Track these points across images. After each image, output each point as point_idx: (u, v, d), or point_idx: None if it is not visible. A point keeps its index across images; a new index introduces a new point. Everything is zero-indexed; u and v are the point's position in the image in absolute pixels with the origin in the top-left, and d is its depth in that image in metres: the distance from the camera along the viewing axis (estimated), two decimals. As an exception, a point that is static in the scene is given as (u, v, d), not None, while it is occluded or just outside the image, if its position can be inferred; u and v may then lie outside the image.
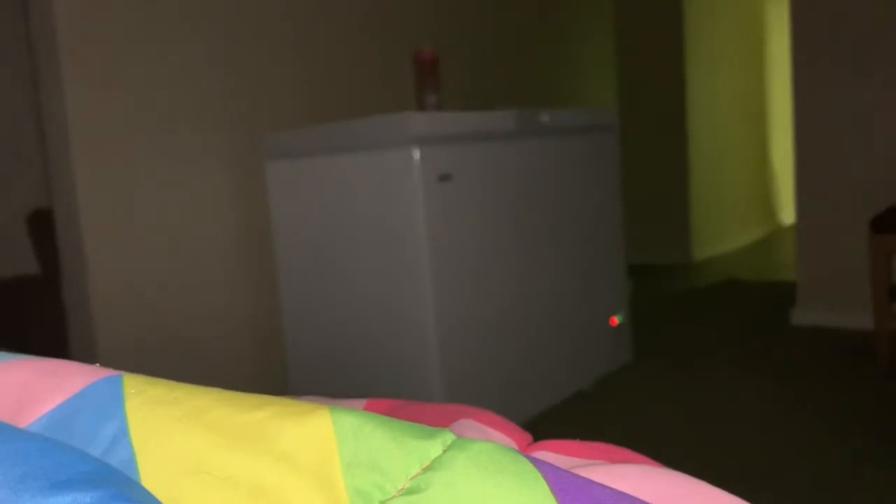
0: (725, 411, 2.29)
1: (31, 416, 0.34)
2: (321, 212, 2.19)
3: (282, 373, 2.45)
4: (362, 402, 0.58)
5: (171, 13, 2.15)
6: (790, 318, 3.28)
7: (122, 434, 0.33)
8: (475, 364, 2.12)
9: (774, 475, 1.85)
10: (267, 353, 2.42)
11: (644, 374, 2.71)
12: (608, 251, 2.72)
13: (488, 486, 0.32)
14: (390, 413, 0.54)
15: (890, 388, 2.37)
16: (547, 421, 2.33)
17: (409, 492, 0.32)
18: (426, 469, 0.33)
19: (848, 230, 3.11)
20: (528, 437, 0.51)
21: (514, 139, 2.27)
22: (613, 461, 0.46)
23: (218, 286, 2.28)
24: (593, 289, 2.63)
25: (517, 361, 2.27)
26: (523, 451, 0.48)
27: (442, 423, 0.51)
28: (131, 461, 0.33)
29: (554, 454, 0.46)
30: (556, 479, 0.33)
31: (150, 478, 0.32)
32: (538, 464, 0.33)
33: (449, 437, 0.35)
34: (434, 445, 0.34)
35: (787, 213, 6.63)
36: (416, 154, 1.95)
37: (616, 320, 2.75)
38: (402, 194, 1.98)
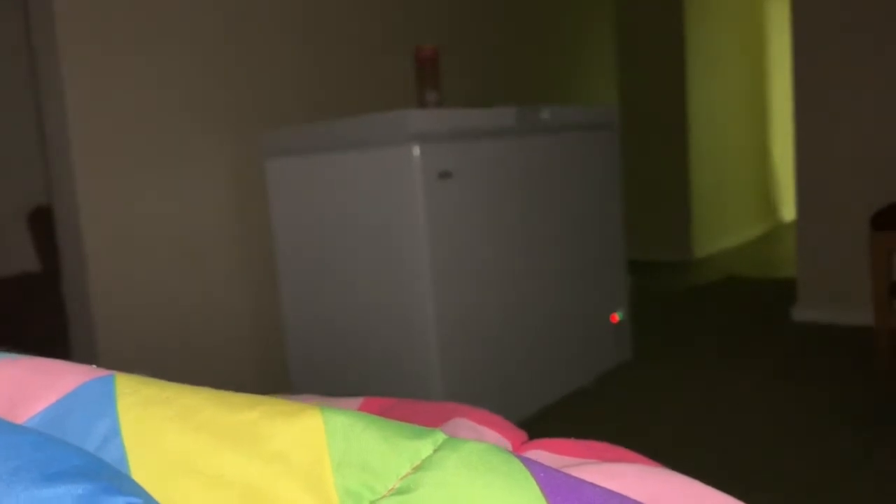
0: (726, 408, 2.29)
1: (24, 415, 0.35)
2: (321, 209, 2.19)
3: (282, 370, 2.45)
4: (358, 400, 0.58)
5: (171, 12, 2.15)
6: (791, 315, 3.28)
7: (114, 433, 0.33)
8: (475, 361, 2.12)
9: (774, 471, 1.85)
10: (267, 350, 2.42)
11: (644, 371, 2.71)
12: (609, 248, 2.72)
13: (478, 487, 0.32)
14: (385, 412, 0.54)
15: (890, 385, 2.37)
16: (547, 418, 2.33)
17: (400, 492, 0.32)
18: (417, 469, 0.33)
19: (848, 227, 3.10)
20: (522, 435, 0.51)
21: (514, 136, 2.27)
22: (608, 460, 0.46)
23: (218, 284, 2.28)
24: (594, 286, 2.63)
25: (517, 359, 2.27)
26: (517, 449, 0.48)
27: (436, 421, 0.51)
28: (122, 460, 0.33)
29: (548, 453, 0.46)
30: (547, 479, 0.33)
31: (141, 477, 0.32)
32: (529, 464, 0.33)
33: (440, 436, 0.35)
34: (425, 445, 0.34)
35: (788, 210, 6.62)
36: (416, 151, 1.95)
37: (617, 317, 2.75)
38: (403, 192, 1.98)
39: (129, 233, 2.07)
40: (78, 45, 1.96)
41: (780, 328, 3.14)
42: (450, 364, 2.03)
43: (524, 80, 3.57)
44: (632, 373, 2.70)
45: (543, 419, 2.32)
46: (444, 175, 2.01)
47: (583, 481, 0.34)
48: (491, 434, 0.50)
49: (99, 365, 1.93)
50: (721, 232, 5.40)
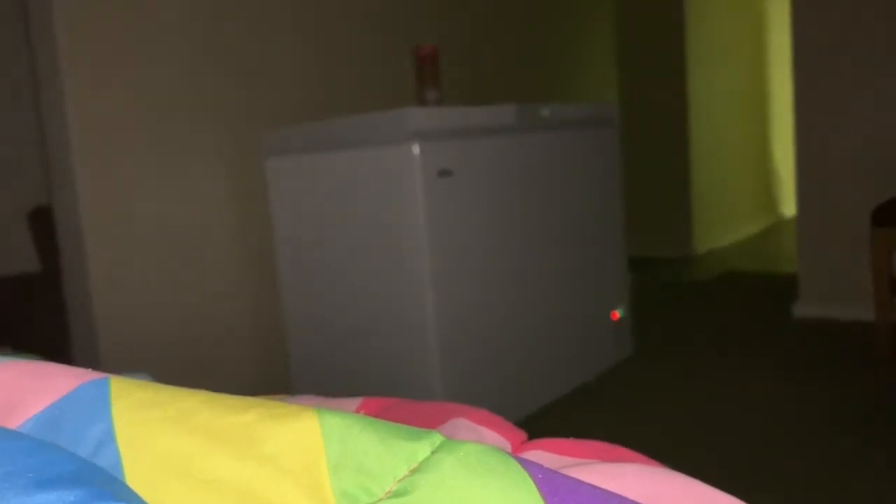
0: (726, 404, 2.29)
1: (17, 419, 0.34)
2: (321, 208, 2.19)
3: (283, 370, 2.45)
4: (357, 401, 0.58)
5: (170, 10, 2.15)
6: (791, 311, 3.28)
7: (108, 437, 0.33)
8: (476, 360, 2.12)
9: (775, 469, 1.85)
10: (268, 349, 2.42)
11: (645, 367, 2.71)
12: (609, 245, 2.72)
13: (476, 488, 0.32)
14: (383, 412, 0.54)
15: (891, 380, 2.36)
16: (548, 416, 2.33)
17: (397, 494, 0.32)
18: (414, 471, 0.33)
19: (849, 222, 3.10)
20: (522, 435, 0.51)
21: (514, 134, 2.27)
22: (607, 460, 0.46)
23: (218, 283, 2.28)
24: (594, 283, 2.62)
25: (518, 356, 2.27)
26: (517, 449, 0.48)
27: (435, 422, 0.51)
28: (117, 464, 0.32)
29: (548, 453, 0.46)
30: (545, 479, 0.32)
31: (135, 481, 0.32)
32: (527, 465, 0.33)
33: (437, 438, 0.34)
34: (422, 447, 0.34)
35: (789, 206, 6.61)
36: (416, 149, 1.94)
37: (617, 314, 2.74)
38: (403, 190, 1.98)
39: (129, 232, 2.07)
40: (77, 44, 1.95)
41: (780, 324, 3.14)
42: (450, 362, 2.03)
43: (524, 78, 3.57)
44: (633, 370, 2.70)
45: (544, 417, 2.32)
46: (444, 173, 2.01)
47: (581, 482, 0.34)
48: (490, 434, 0.50)
49: (100, 364, 1.93)
50: (721, 228, 5.39)
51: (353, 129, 2.07)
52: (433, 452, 0.34)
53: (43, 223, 3.07)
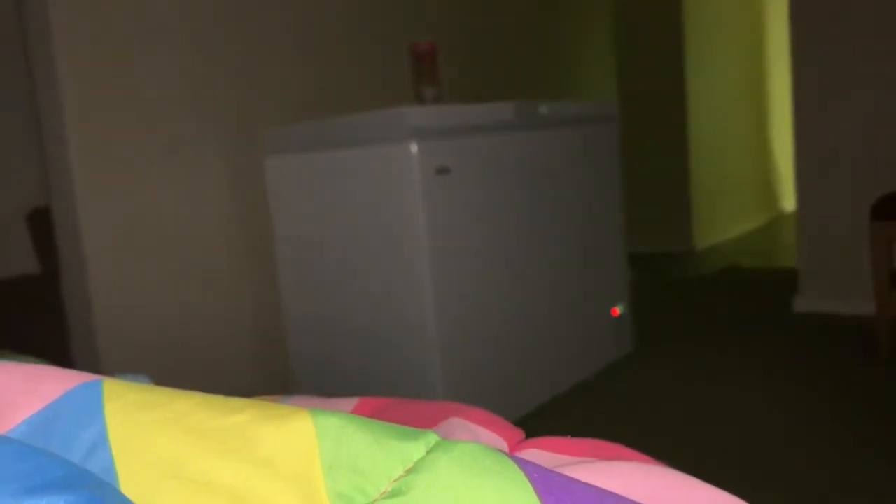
0: (727, 399, 2.29)
1: (9, 423, 0.34)
2: (320, 207, 2.19)
3: (283, 369, 2.45)
4: (354, 401, 0.57)
5: (167, 9, 2.15)
6: (792, 305, 3.28)
7: (102, 439, 0.33)
8: (476, 358, 2.12)
9: (776, 465, 1.85)
10: (268, 349, 2.42)
11: (646, 363, 2.71)
12: (609, 241, 2.71)
13: (472, 488, 0.31)
14: (380, 412, 0.54)
15: (891, 374, 2.36)
16: (548, 413, 2.33)
17: (392, 495, 0.31)
18: (409, 471, 0.32)
19: (849, 216, 3.09)
20: (519, 434, 0.51)
21: (513, 131, 2.26)
22: (605, 458, 0.46)
23: (218, 282, 2.28)
24: (594, 279, 2.62)
25: (518, 354, 2.27)
26: (514, 448, 0.48)
27: (432, 421, 0.51)
28: (110, 467, 0.32)
29: (544, 452, 0.46)
30: (541, 478, 0.32)
31: (129, 483, 0.32)
32: (522, 464, 0.33)
33: (432, 438, 0.34)
34: (417, 447, 0.33)
35: (789, 200, 6.61)
36: (414, 148, 1.94)
37: (617, 310, 2.74)
38: (401, 188, 1.98)
39: (128, 232, 2.07)
40: (74, 44, 1.95)
41: (781, 318, 3.14)
42: (450, 360, 2.03)
43: (523, 75, 3.56)
44: (633, 366, 2.70)
45: (544, 414, 2.32)
46: (443, 171, 2.00)
47: (576, 481, 0.33)
48: (487, 434, 0.49)
49: (100, 365, 1.92)
50: (721, 223, 5.39)
51: (352, 127, 2.07)
52: (428, 452, 0.33)
53: (42, 224, 3.07)
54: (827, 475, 1.76)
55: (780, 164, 6.42)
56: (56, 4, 1.91)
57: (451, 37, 3.14)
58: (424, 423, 0.50)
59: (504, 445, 0.48)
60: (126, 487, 0.32)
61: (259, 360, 2.39)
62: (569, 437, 0.48)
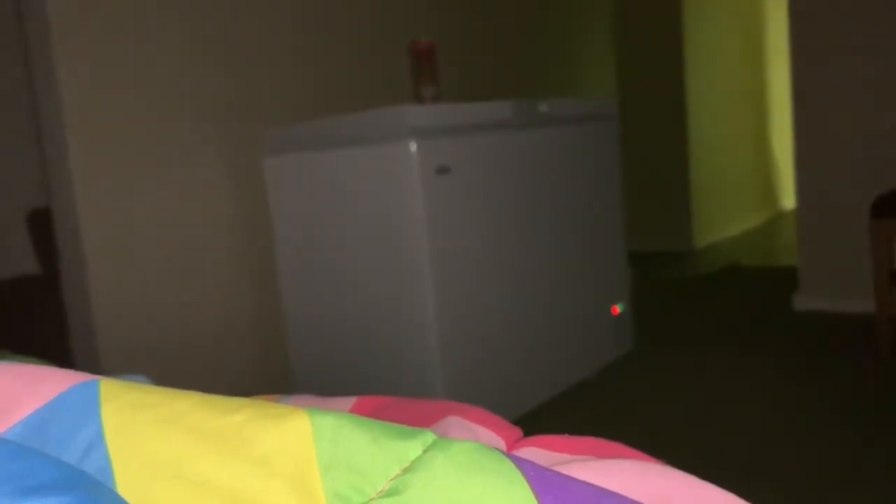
0: (727, 397, 2.29)
1: (4, 424, 0.34)
2: (320, 206, 2.19)
3: (283, 369, 2.45)
4: (352, 400, 0.57)
5: (166, 8, 2.14)
6: (792, 304, 3.27)
7: (98, 440, 0.33)
8: (476, 356, 2.12)
9: (776, 463, 1.85)
10: (268, 349, 2.42)
11: (646, 362, 2.71)
12: (609, 240, 2.71)
13: (468, 487, 0.31)
14: (378, 412, 0.54)
15: (891, 372, 2.36)
16: (548, 412, 2.33)
17: (389, 494, 0.31)
18: (406, 470, 0.32)
19: (848, 214, 3.09)
20: (517, 432, 0.51)
21: (512, 130, 2.26)
22: (603, 456, 0.46)
23: (218, 282, 2.28)
24: (594, 278, 2.62)
25: (519, 353, 2.27)
26: (511, 446, 0.48)
27: (430, 420, 0.51)
28: (107, 467, 0.32)
29: (542, 450, 0.46)
30: (538, 477, 0.32)
31: (125, 483, 0.32)
32: (519, 462, 0.33)
33: (429, 437, 0.34)
34: (414, 446, 0.33)
35: (788, 198, 6.61)
36: (413, 147, 1.94)
37: (617, 309, 2.74)
38: (401, 188, 1.98)
39: (127, 233, 2.07)
40: (73, 44, 1.95)
41: (781, 317, 3.14)
42: (450, 359, 2.03)
43: (522, 75, 3.56)
44: (633, 365, 2.70)
45: (544, 413, 2.32)
46: (442, 170, 2.00)
47: (574, 479, 0.33)
48: (484, 432, 0.49)
49: (100, 365, 1.92)
50: (721, 221, 5.39)
51: (351, 126, 2.07)
52: (425, 451, 0.33)
53: (42, 225, 3.07)
54: (826, 474, 1.76)
55: (779, 163, 6.41)
56: (55, 5, 1.91)
57: (451, 36, 3.14)
58: (422, 422, 0.50)
59: (502, 444, 0.48)
60: (122, 488, 0.32)
61: (259, 360, 2.39)
62: (566, 435, 0.48)
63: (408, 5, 2.94)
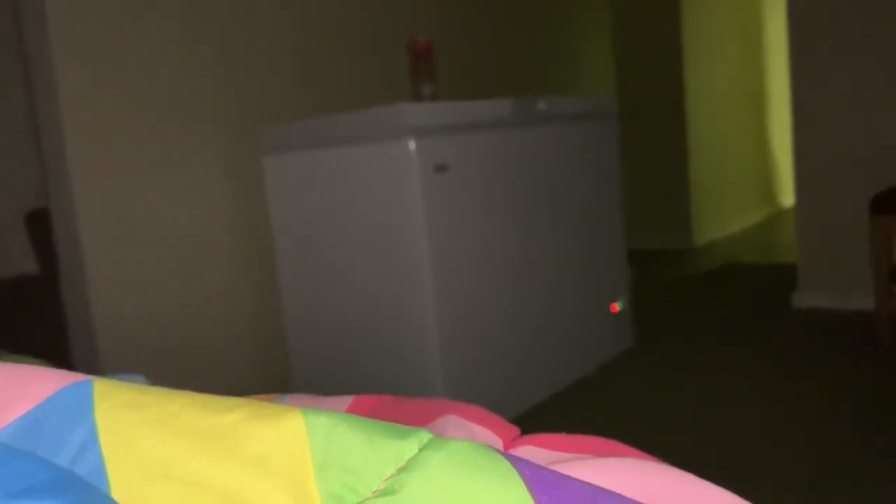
0: (726, 395, 2.28)
1: (-1, 424, 0.34)
2: (319, 205, 2.19)
3: (283, 369, 2.45)
4: (349, 400, 0.57)
5: (164, 8, 2.14)
6: (791, 301, 3.27)
7: (92, 440, 0.33)
8: (476, 354, 2.12)
9: (776, 461, 1.85)
10: (268, 348, 2.41)
11: (645, 360, 2.71)
12: (608, 238, 2.71)
13: (464, 486, 0.31)
14: (375, 411, 0.54)
15: (891, 369, 2.36)
16: (548, 409, 2.32)
17: (384, 493, 0.31)
18: (401, 469, 0.32)
19: (848, 211, 3.09)
20: (514, 431, 0.51)
21: (511, 128, 2.26)
22: (601, 455, 0.46)
23: (218, 282, 2.28)
24: (594, 276, 2.62)
25: (518, 351, 2.27)
26: (508, 445, 0.47)
27: (427, 419, 0.50)
28: (100, 467, 0.32)
29: (539, 449, 0.45)
30: (533, 475, 0.32)
31: (119, 484, 0.32)
32: (515, 461, 0.33)
33: (425, 436, 0.34)
34: (409, 445, 0.33)
35: (788, 196, 6.60)
36: (412, 145, 1.94)
37: (617, 307, 2.74)
38: (399, 186, 1.98)
39: (126, 233, 2.07)
40: (70, 44, 1.95)
41: (780, 314, 3.14)
42: (449, 357, 2.03)
43: (521, 72, 3.56)
44: (633, 362, 2.70)
45: (544, 410, 2.32)
46: (441, 168, 2.00)
47: (570, 478, 0.33)
48: (482, 431, 0.49)
49: (99, 365, 1.92)
50: (721, 219, 5.39)
51: (350, 125, 2.07)
52: (421, 450, 0.33)
53: (41, 225, 3.07)
54: (826, 472, 1.76)
55: (778, 160, 6.41)
56: (54, 6, 1.91)
57: (450, 34, 3.14)
58: (419, 420, 0.50)
59: (499, 443, 0.48)
60: (116, 488, 0.32)
61: (259, 360, 2.39)
62: (564, 433, 0.47)
63: (407, 4, 2.94)
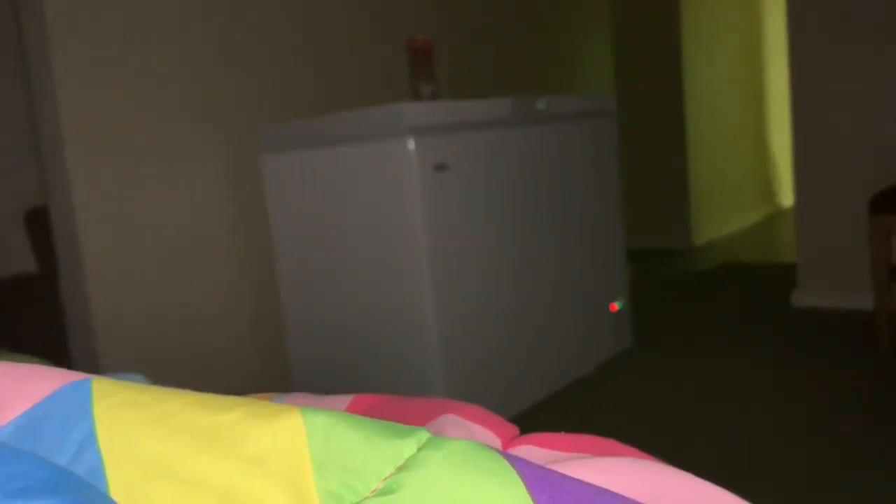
0: (726, 394, 2.29)
1: (-3, 423, 0.34)
2: (318, 204, 2.19)
3: (283, 369, 2.45)
4: (348, 399, 0.57)
5: (163, 7, 2.14)
6: (791, 300, 3.27)
7: (90, 439, 0.33)
8: (475, 353, 2.12)
9: (776, 460, 1.85)
10: (268, 348, 2.41)
11: (644, 359, 2.71)
12: (607, 237, 2.71)
13: (463, 485, 0.31)
14: (374, 410, 0.54)
15: (890, 368, 2.36)
16: (547, 408, 2.32)
17: (383, 493, 0.31)
18: (400, 469, 0.32)
19: (847, 211, 3.09)
20: (513, 430, 0.51)
21: (510, 127, 2.26)
22: (599, 454, 0.46)
23: (217, 281, 2.28)
24: (593, 275, 2.62)
25: (517, 350, 2.27)
26: (507, 444, 0.47)
27: (426, 418, 0.50)
28: (99, 466, 0.32)
29: (538, 448, 0.45)
30: (532, 475, 0.32)
31: (118, 483, 0.32)
32: (514, 461, 0.33)
33: (424, 435, 0.34)
34: (408, 444, 0.33)
35: (787, 196, 6.60)
36: (411, 144, 1.94)
37: (616, 306, 2.74)
38: (399, 185, 1.98)
39: (125, 232, 2.07)
40: (69, 43, 1.94)
41: (779, 314, 3.14)
42: (449, 357, 2.03)
43: (520, 71, 3.56)
44: (632, 361, 2.70)
45: (543, 409, 2.32)
46: (440, 168, 2.00)
47: (569, 477, 0.33)
48: (480, 430, 0.49)
49: (99, 365, 1.92)
50: (720, 218, 5.39)
51: (349, 124, 2.07)
52: (419, 450, 0.33)
53: (40, 224, 3.06)
54: (826, 471, 1.76)
55: (778, 159, 6.41)
56: (53, 4, 1.91)
57: (449, 33, 3.14)
58: (419, 420, 0.50)
59: (497, 442, 0.48)
60: (115, 487, 0.32)
61: (258, 359, 2.39)
62: (563, 432, 0.47)
63: (406, 3, 2.94)
